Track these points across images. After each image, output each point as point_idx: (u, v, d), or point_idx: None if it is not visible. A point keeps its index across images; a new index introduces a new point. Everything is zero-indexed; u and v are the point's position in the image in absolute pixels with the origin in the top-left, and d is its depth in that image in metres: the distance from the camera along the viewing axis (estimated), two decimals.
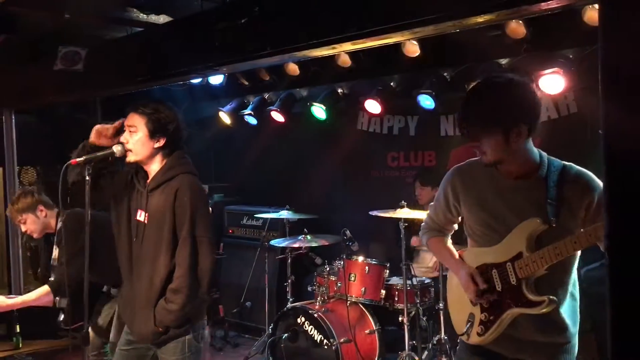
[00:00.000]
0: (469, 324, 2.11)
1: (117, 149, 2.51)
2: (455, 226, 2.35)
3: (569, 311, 2.05)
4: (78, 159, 2.44)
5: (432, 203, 2.37)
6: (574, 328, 2.06)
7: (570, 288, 2.05)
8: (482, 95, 2.00)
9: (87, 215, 2.48)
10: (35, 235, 3.57)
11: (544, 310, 1.93)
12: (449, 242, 2.36)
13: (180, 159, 2.62)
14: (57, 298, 3.32)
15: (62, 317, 3.45)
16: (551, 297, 1.92)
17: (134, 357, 2.63)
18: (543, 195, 1.95)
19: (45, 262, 3.65)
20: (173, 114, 2.61)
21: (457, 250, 2.30)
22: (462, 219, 2.26)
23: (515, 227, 1.99)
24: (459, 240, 2.38)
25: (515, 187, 2.03)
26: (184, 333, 2.51)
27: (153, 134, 2.52)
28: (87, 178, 2.43)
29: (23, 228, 3.57)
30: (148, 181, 2.58)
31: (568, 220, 1.94)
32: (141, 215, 2.56)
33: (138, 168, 2.63)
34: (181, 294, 2.44)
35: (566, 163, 2.03)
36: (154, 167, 2.58)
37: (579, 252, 2.00)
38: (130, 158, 2.54)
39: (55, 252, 3.45)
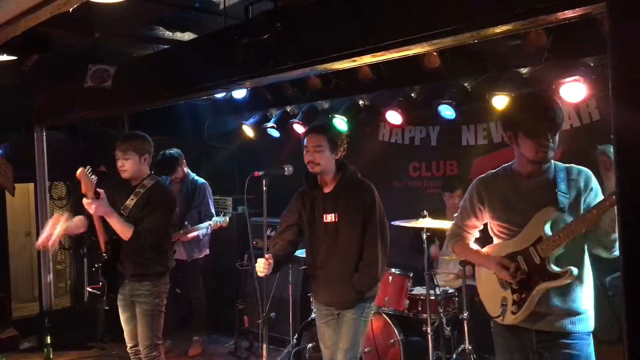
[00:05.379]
0: (503, 307, 2.44)
1: (288, 169, 3.32)
2: (477, 233, 2.69)
3: (586, 286, 2.40)
4: (259, 173, 3.24)
5: (456, 214, 2.73)
6: (588, 301, 2.40)
7: (585, 268, 2.40)
8: (555, 104, 2.37)
9: (264, 218, 3.31)
10: (124, 175, 3.63)
11: (567, 280, 2.29)
12: (472, 243, 2.70)
13: (348, 166, 3.28)
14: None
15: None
16: (571, 267, 2.28)
17: (330, 321, 3.28)
18: (554, 189, 2.35)
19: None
20: (341, 130, 3.32)
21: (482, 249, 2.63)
22: (484, 223, 2.64)
23: (533, 217, 2.36)
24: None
25: (531, 186, 2.42)
26: (367, 300, 3.19)
27: (333, 149, 3.16)
28: (265, 188, 3.24)
29: (119, 163, 3.61)
30: (330, 189, 3.22)
31: (576, 206, 2.34)
32: (330, 217, 3.20)
33: (309, 184, 3.28)
34: (374, 265, 3.14)
35: (567, 165, 2.44)
36: (330, 175, 3.22)
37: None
38: (316, 169, 3.17)
39: (131, 202, 3.59)
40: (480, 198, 2.55)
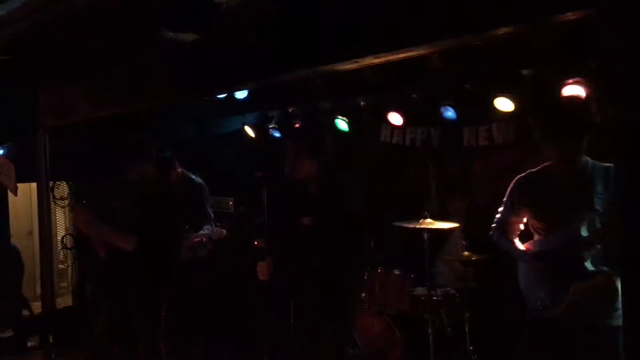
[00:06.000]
0: (540, 301, 2.56)
1: (286, 170, 3.14)
2: (521, 226, 2.83)
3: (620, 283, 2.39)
4: (260, 173, 3.26)
5: (500, 208, 2.88)
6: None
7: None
8: (576, 110, 2.57)
9: (265, 218, 3.32)
10: (130, 180, 3.64)
11: (601, 279, 2.40)
12: (516, 239, 2.85)
13: (332, 170, 3.16)
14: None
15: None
16: (605, 267, 2.41)
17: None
18: (592, 190, 2.45)
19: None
20: (322, 131, 3.27)
21: (523, 244, 2.78)
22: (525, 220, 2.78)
23: (569, 217, 2.49)
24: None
25: (568, 187, 2.53)
26: (348, 311, 3.16)
27: (313, 153, 3.09)
28: (265, 188, 3.19)
29: (123, 168, 3.63)
30: (312, 192, 3.12)
31: (612, 207, 2.38)
32: (308, 221, 3.10)
33: (293, 185, 3.17)
34: (349, 276, 3.07)
35: (607, 164, 2.52)
36: (312, 179, 3.13)
37: None
38: (296, 175, 3.11)
39: (134, 210, 3.56)
40: (519, 197, 2.71)
